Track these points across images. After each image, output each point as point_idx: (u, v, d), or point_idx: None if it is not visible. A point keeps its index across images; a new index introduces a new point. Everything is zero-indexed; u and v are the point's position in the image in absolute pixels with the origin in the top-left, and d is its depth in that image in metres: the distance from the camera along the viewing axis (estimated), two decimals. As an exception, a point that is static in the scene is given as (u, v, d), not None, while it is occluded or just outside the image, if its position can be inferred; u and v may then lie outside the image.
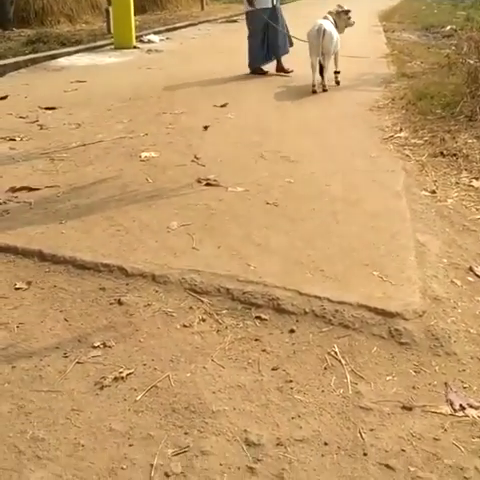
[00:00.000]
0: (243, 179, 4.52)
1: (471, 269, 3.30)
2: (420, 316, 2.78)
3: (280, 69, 8.89)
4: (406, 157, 5.12)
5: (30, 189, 4.35)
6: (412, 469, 2.02)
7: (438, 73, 7.98)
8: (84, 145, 5.46)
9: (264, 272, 3.17)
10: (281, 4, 9.06)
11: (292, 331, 2.76)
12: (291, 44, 8.88)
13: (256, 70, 8.84)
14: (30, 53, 10.65)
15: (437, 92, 6.92)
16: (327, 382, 2.44)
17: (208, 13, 18.78)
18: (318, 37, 7.24)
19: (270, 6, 8.55)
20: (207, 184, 4.46)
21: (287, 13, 9.19)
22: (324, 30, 7.24)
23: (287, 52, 8.89)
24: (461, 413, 2.28)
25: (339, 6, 7.82)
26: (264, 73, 8.87)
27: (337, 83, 7.95)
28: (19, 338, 2.73)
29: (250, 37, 8.80)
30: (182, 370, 2.52)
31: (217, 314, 2.90)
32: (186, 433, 2.18)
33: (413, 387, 2.41)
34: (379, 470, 2.02)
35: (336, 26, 7.62)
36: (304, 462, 2.05)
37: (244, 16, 9.27)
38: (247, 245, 3.50)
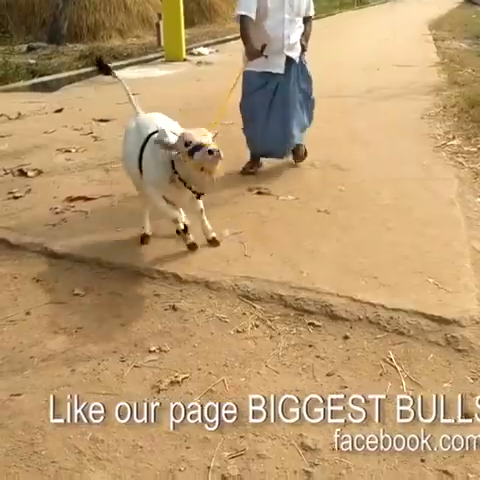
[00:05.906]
0: (293, 187, 4.54)
1: None
2: (478, 323, 2.74)
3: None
4: (459, 165, 5.05)
5: (86, 199, 4.47)
6: (472, 476, 1.99)
7: (490, 80, 7.87)
8: (137, 156, 5.54)
9: (316, 279, 3.17)
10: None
11: (346, 337, 2.76)
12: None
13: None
14: (83, 67, 10.93)
15: (490, 99, 6.82)
16: (383, 388, 2.43)
17: (256, 25, 18.88)
18: None
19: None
20: (258, 193, 4.49)
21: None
22: None
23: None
24: (520, 421, 2.23)
25: None
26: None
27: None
28: (78, 342, 2.81)
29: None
30: (236, 375, 2.54)
31: (270, 320, 2.92)
32: (242, 437, 2.20)
33: (471, 394, 2.37)
34: (437, 477, 2.00)
35: None
36: (361, 467, 2.04)
37: None
38: (299, 252, 3.51)
